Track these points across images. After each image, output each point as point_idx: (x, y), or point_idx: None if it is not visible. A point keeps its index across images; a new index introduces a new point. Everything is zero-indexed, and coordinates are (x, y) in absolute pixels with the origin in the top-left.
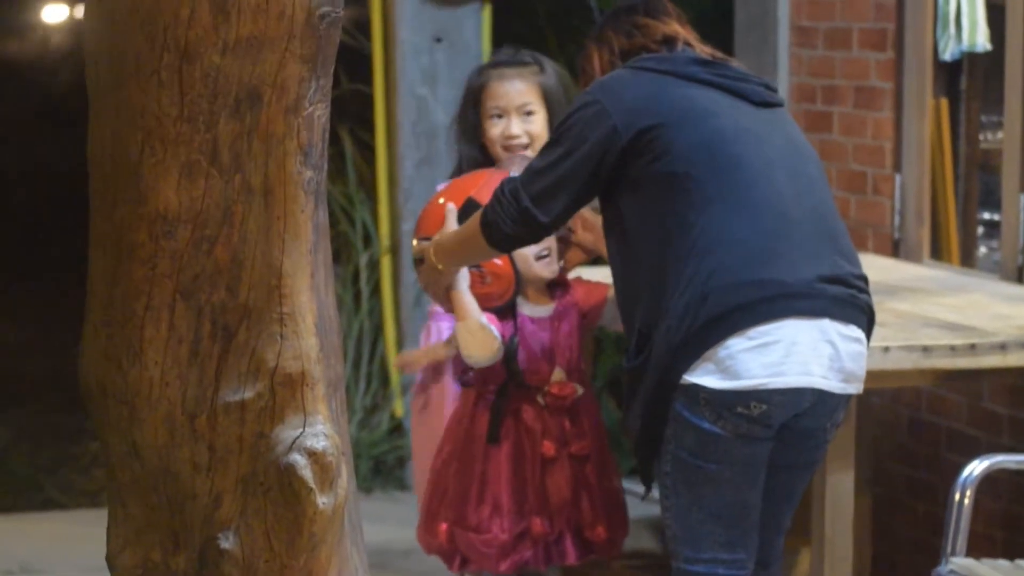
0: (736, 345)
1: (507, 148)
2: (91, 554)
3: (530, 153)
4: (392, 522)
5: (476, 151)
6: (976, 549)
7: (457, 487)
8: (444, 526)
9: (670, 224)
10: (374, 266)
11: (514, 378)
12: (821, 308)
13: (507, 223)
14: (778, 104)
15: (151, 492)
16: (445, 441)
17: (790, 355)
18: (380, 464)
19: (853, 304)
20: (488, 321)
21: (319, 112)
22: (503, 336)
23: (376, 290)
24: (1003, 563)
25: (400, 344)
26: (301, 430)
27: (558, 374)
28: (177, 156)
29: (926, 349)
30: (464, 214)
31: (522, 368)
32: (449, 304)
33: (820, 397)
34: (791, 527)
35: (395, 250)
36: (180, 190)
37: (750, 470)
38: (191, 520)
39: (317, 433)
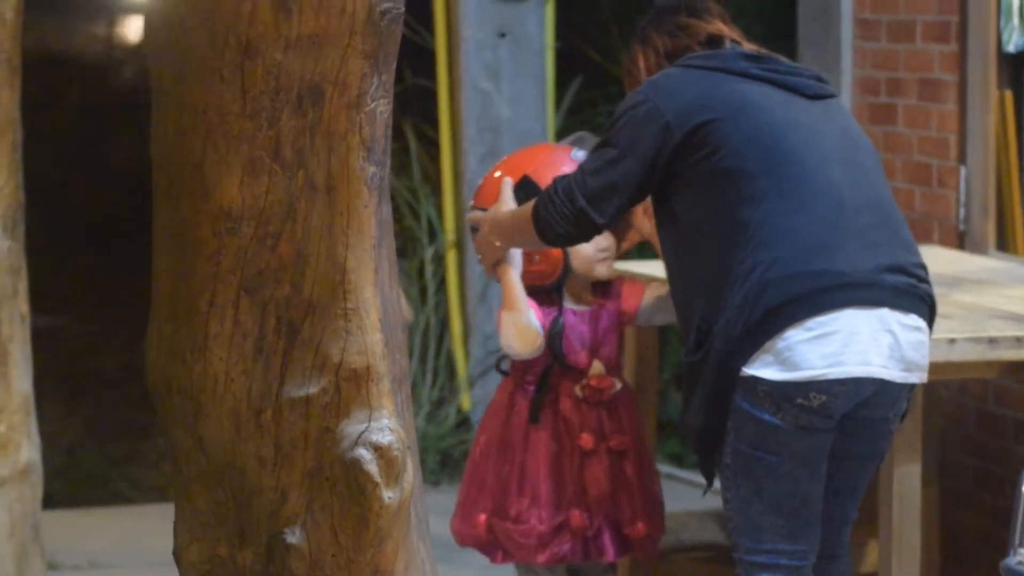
0: (794, 336)
1: None
2: (159, 549)
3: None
4: None
5: None
6: None
7: (496, 478)
8: (483, 517)
9: (726, 220)
10: (439, 260)
11: (558, 360)
12: (881, 298)
13: (560, 223)
14: (830, 96)
15: (217, 487)
16: (482, 431)
17: (849, 345)
18: (447, 457)
19: (914, 294)
20: (534, 315)
21: (381, 108)
22: (543, 325)
23: (442, 284)
24: None
25: (466, 337)
26: (366, 425)
27: (597, 367)
28: (240, 153)
29: (992, 341)
30: (519, 191)
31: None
32: (497, 276)
33: (881, 386)
34: (858, 519)
35: (460, 244)
36: (243, 187)
37: (811, 462)
38: (257, 515)
39: (382, 428)
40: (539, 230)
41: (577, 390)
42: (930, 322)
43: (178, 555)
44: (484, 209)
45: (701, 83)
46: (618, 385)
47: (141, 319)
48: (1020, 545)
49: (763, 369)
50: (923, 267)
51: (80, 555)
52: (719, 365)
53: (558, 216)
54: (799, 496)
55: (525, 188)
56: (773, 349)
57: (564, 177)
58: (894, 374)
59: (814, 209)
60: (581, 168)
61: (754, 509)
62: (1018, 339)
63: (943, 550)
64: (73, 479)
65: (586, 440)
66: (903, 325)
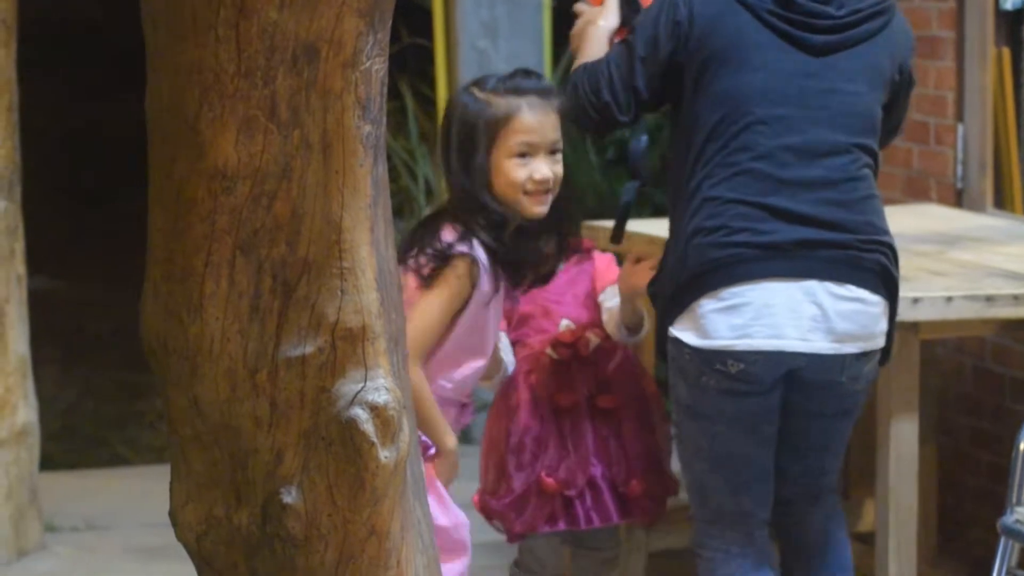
0: (708, 305)
1: (531, 194)
2: (156, 510)
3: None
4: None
5: (482, 195)
6: None
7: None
8: (475, 497)
9: (683, 165)
10: None
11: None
12: (805, 269)
13: (584, 116)
14: (851, 43)
15: (213, 447)
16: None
17: (760, 318)
18: None
19: (852, 264)
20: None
21: (377, 66)
22: None
23: None
24: None
25: None
26: (362, 384)
27: (564, 324)
28: (235, 112)
29: (989, 299)
30: (622, 3)
31: (526, 327)
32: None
33: (810, 359)
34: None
35: None
36: (239, 146)
37: (745, 424)
38: (253, 475)
39: (378, 387)
40: (573, 115)
41: (550, 351)
42: (882, 292)
43: (174, 516)
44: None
45: (718, 5)
46: (595, 340)
47: (138, 280)
48: (1017, 503)
49: (684, 333)
50: (876, 242)
51: (77, 517)
52: (660, 318)
53: (585, 106)
54: (737, 456)
55: (629, 2)
56: (692, 315)
57: (594, 64)
58: (819, 346)
59: (752, 183)
60: (608, 59)
61: (698, 468)
62: (1015, 297)
63: (940, 509)
64: (70, 441)
65: (563, 398)
66: (834, 296)
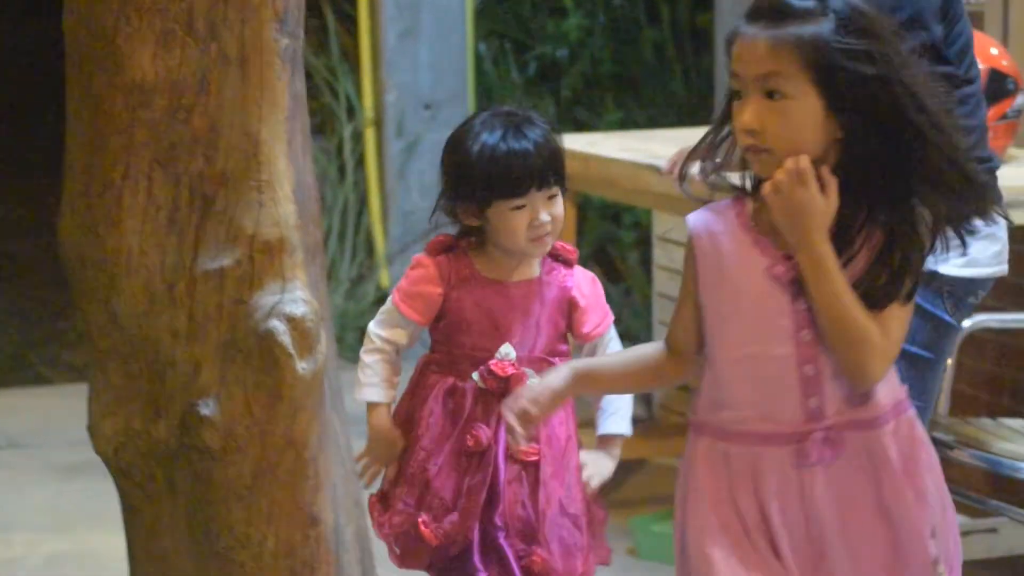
0: None
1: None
2: (78, 428)
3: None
4: None
5: None
6: (960, 409)
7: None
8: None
9: None
10: (358, 138)
11: None
12: None
13: None
14: None
15: (131, 360)
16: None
17: None
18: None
19: None
20: None
21: None
22: None
23: (360, 162)
24: (986, 421)
25: (385, 215)
26: (280, 296)
27: (504, 351)
28: (152, 26)
29: None
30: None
31: (464, 335)
32: None
33: None
34: None
35: (379, 122)
36: (156, 59)
37: None
38: (171, 388)
39: (296, 299)
40: None
41: (476, 377)
42: None
43: (93, 430)
44: None
45: None
46: (532, 378)
47: (56, 200)
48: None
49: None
50: None
51: None
52: None
53: None
54: None
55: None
56: None
57: None
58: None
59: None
60: None
61: None
62: None
63: None
64: None
65: (471, 439)
66: None
